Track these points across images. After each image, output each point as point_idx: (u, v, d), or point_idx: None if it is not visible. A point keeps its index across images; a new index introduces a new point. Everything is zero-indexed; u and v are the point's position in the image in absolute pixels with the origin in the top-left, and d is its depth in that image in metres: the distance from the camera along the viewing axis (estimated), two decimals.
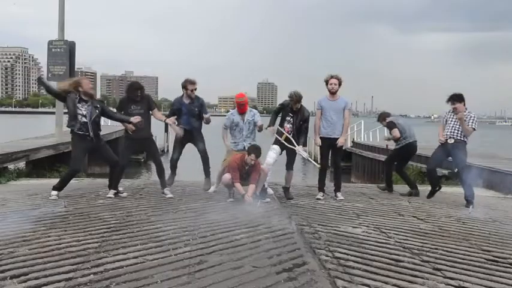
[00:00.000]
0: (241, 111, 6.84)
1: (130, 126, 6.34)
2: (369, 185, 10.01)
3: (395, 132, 7.69)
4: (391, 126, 7.81)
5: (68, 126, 6.31)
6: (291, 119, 6.81)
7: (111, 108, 7.41)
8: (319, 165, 7.02)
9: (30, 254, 3.77)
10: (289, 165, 6.95)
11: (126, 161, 6.94)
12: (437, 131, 7.12)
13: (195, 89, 6.97)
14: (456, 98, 6.76)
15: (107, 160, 6.70)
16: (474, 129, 6.74)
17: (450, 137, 6.80)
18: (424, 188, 7.68)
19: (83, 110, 6.13)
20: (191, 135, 7.06)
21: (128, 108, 6.61)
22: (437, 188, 7.20)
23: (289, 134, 6.77)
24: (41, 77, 7.39)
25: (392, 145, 8.52)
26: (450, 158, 7.04)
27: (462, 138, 6.76)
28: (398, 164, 7.97)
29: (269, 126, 6.86)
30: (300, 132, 6.83)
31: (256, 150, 6.27)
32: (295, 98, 6.67)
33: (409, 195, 7.51)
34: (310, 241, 4.42)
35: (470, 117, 6.73)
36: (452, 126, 6.79)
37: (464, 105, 6.80)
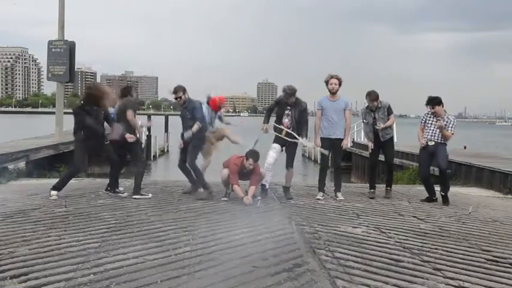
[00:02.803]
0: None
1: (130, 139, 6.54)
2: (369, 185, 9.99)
3: (393, 119, 7.29)
4: (390, 111, 7.25)
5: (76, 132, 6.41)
6: (289, 112, 6.74)
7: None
8: (327, 151, 6.88)
9: (30, 254, 3.77)
10: (289, 163, 6.91)
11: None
12: (417, 133, 7.08)
13: (178, 98, 6.75)
14: (435, 102, 6.78)
15: (107, 159, 6.78)
16: (452, 133, 6.80)
17: (430, 140, 6.84)
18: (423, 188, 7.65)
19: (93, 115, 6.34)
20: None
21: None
22: (434, 198, 7.01)
23: (289, 129, 6.71)
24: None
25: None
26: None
27: (442, 141, 6.81)
28: (378, 157, 7.53)
29: (263, 123, 6.88)
30: (301, 124, 6.78)
31: (253, 155, 6.27)
32: (289, 91, 6.63)
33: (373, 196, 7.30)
34: (310, 241, 4.41)
35: (450, 121, 6.77)
36: (433, 130, 6.83)
37: (443, 106, 6.85)
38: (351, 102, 7.19)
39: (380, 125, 7.04)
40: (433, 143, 6.81)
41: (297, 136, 6.69)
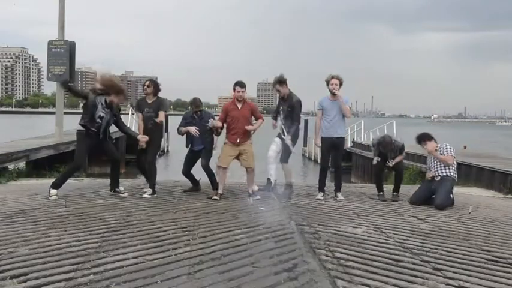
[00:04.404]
0: None
1: (141, 142, 6.57)
2: (368, 185, 10.00)
3: (402, 156, 7.16)
4: (402, 150, 7.18)
5: (81, 124, 6.33)
6: (281, 107, 6.94)
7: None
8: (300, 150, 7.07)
9: (30, 254, 3.77)
10: (283, 159, 7.00)
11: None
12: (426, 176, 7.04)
13: (199, 111, 6.93)
14: (426, 138, 6.82)
15: (109, 156, 6.74)
16: (453, 156, 6.71)
17: (436, 176, 6.73)
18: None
19: (102, 113, 6.29)
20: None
21: (142, 110, 6.79)
22: None
23: (282, 123, 6.87)
24: (66, 81, 7.17)
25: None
26: (434, 196, 6.63)
27: (447, 174, 6.66)
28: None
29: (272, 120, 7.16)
30: (288, 120, 6.85)
31: (238, 83, 6.50)
32: (275, 79, 6.89)
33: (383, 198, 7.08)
34: (310, 241, 4.41)
35: (444, 148, 6.75)
36: (434, 166, 6.79)
37: (436, 142, 6.85)
38: (351, 102, 7.20)
39: (391, 163, 6.99)
40: (439, 178, 6.69)
41: (285, 133, 6.80)
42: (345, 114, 6.84)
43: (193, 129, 6.80)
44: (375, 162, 7.16)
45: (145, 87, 6.76)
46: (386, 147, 7.00)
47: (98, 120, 6.27)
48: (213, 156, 7.08)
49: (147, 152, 6.77)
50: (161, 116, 6.69)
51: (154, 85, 6.76)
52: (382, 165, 7.16)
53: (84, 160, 6.84)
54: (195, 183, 7.23)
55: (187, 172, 7.17)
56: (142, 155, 6.81)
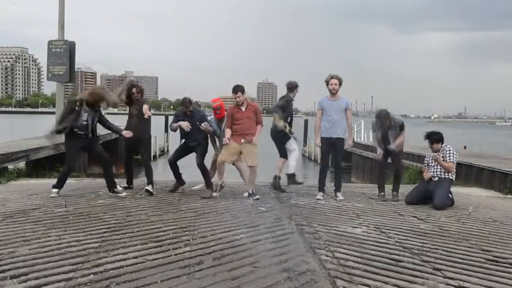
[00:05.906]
0: (218, 117, 7.06)
1: (126, 135, 6.79)
2: (369, 185, 10.00)
3: (403, 137, 7.07)
4: (403, 128, 7.06)
5: (61, 129, 6.58)
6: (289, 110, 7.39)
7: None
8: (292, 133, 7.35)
9: (30, 254, 3.77)
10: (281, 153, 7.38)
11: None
12: (424, 176, 6.98)
13: (189, 111, 6.95)
14: (439, 140, 6.71)
15: (98, 157, 6.90)
16: (454, 162, 6.65)
17: (434, 176, 6.70)
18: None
19: (85, 116, 6.48)
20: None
21: (130, 108, 7.05)
22: None
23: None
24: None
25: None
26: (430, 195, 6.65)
27: (445, 176, 6.65)
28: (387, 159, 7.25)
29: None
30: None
31: (237, 87, 6.58)
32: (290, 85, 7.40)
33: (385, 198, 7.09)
34: (310, 241, 4.41)
35: (447, 151, 6.68)
36: (434, 167, 6.72)
37: (443, 143, 6.75)
38: (351, 102, 7.19)
39: (393, 148, 6.87)
40: (436, 178, 6.67)
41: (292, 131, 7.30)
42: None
43: (184, 124, 6.82)
44: (378, 153, 7.07)
45: (135, 94, 6.97)
46: (386, 117, 6.86)
47: (84, 122, 6.46)
48: (208, 152, 7.13)
49: (140, 153, 7.11)
50: (145, 108, 6.86)
51: (142, 91, 7.12)
52: (385, 161, 7.13)
53: (75, 161, 6.96)
54: (178, 178, 7.22)
55: (173, 161, 7.12)
56: (131, 157, 7.29)
